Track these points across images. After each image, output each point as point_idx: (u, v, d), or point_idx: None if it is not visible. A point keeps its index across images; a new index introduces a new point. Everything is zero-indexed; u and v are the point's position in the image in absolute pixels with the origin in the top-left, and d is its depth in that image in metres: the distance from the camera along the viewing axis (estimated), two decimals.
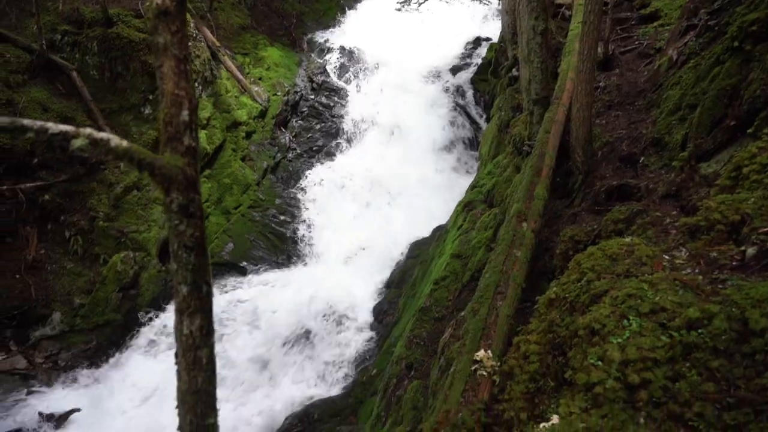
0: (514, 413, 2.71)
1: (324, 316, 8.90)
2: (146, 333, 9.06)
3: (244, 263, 10.60)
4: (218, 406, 1.55)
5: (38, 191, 9.38)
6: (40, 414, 7.18)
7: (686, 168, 4.38)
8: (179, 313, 1.49)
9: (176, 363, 1.54)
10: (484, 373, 3.24)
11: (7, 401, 7.34)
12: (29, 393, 7.65)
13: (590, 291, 2.70)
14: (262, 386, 8.10)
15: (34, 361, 8.16)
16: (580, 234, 4.80)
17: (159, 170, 1.36)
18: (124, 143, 1.33)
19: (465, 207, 8.56)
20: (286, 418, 7.33)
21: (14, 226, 9.00)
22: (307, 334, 8.58)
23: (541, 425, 2.05)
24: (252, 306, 9.24)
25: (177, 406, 1.54)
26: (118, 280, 9.07)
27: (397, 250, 10.45)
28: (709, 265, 2.69)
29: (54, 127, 1.19)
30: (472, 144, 13.64)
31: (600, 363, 2.14)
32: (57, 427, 7.11)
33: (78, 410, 7.48)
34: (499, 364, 3.26)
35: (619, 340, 2.16)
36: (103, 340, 8.76)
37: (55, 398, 7.65)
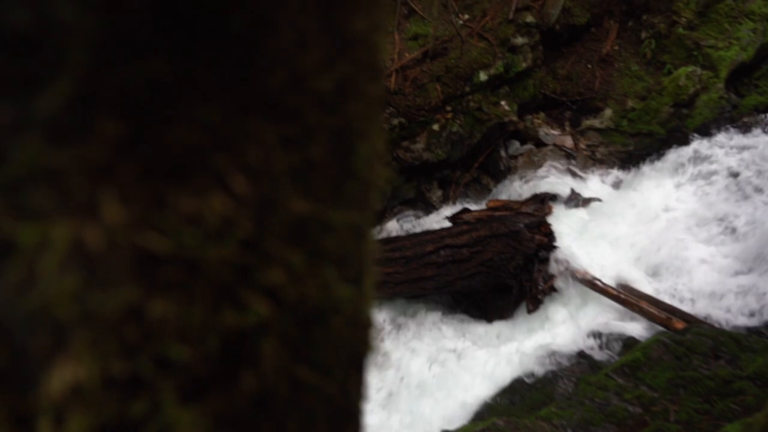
0: None
1: None
2: (677, 156, 8.71)
3: None
4: None
5: None
6: (572, 190, 8.29)
7: None
8: None
9: None
10: None
11: (550, 169, 8.73)
12: (569, 172, 8.84)
13: None
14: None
15: (578, 146, 9.21)
16: None
17: None
18: None
19: None
20: None
21: (602, 17, 9.51)
22: None
23: None
24: None
25: None
26: (676, 95, 8.74)
27: None
28: None
29: None
30: None
31: None
32: (581, 206, 8.13)
33: (599, 200, 8.26)
34: None
35: None
36: (638, 148, 8.98)
37: (585, 183, 8.61)
